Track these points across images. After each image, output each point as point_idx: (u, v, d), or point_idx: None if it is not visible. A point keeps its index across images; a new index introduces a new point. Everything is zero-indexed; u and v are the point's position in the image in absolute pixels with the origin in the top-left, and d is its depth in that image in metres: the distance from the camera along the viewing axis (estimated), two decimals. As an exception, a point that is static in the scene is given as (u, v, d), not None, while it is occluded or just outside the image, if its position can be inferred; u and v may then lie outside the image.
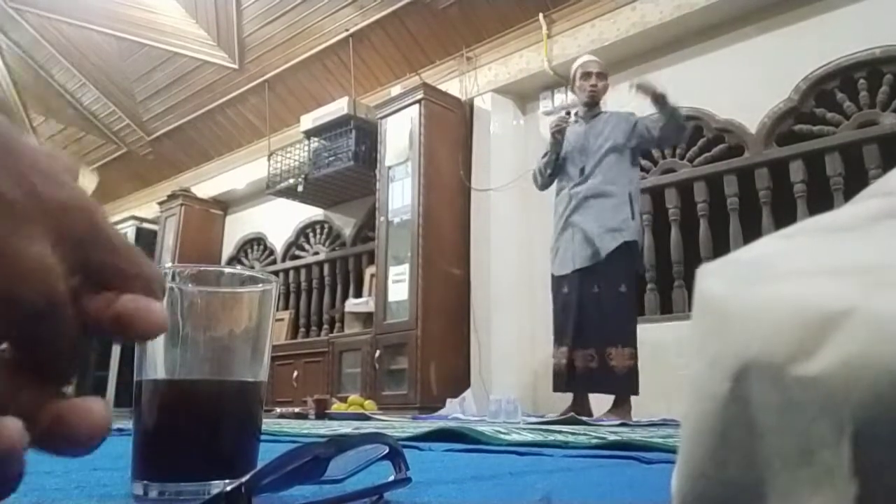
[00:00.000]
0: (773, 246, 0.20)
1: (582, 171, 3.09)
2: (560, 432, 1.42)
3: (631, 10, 3.98)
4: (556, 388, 3.08)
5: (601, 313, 2.91)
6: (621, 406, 2.88)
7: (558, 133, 3.15)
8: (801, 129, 3.48)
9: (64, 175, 0.23)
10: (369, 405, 3.41)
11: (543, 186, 3.32)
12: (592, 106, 3.21)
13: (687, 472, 0.19)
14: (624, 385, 2.88)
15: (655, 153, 4.00)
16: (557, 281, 3.10)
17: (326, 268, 5.67)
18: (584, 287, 2.96)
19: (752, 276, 0.18)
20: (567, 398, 3.11)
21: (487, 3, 4.41)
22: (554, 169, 3.22)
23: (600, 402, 3.04)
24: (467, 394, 3.35)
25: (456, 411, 3.16)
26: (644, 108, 3.08)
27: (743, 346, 0.17)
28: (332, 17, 4.92)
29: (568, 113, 3.28)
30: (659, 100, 2.91)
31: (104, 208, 0.24)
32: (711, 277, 0.20)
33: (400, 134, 4.50)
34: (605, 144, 3.07)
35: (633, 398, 2.92)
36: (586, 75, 3.21)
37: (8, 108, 6.59)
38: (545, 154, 3.26)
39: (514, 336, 4.20)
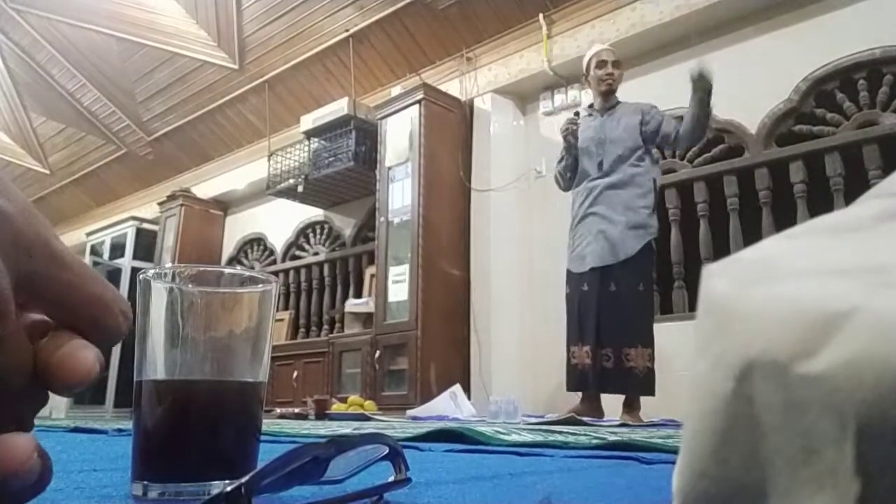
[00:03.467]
0: (777, 246, 0.20)
1: (600, 165, 2.99)
2: (560, 433, 1.42)
3: (631, 10, 3.98)
4: (574, 388, 2.94)
5: (619, 313, 2.82)
6: (635, 407, 2.83)
7: (570, 136, 3.05)
8: (801, 129, 3.49)
9: (9, 184, 0.22)
10: (369, 405, 3.42)
11: (567, 188, 3.19)
12: (608, 96, 3.10)
13: (688, 471, 0.19)
14: (642, 385, 2.78)
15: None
16: (577, 278, 2.98)
17: (326, 268, 5.67)
18: (602, 285, 2.86)
19: (757, 276, 0.18)
20: (570, 398, 3.09)
21: (487, 4, 4.41)
22: (573, 171, 3.12)
23: (609, 403, 3.02)
24: (456, 389, 3.32)
25: (450, 408, 3.15)
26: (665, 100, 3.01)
27: (747, 344, 0.17)
28: (332, 18, 4.92)
29: (576, 114, 3.17)
30: (706, 92, 2.75)
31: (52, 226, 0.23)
32: (716, 277, 0.20)
33: (400, 134, 4.50)
34: (622, 137, 2.97)
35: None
36: (602, 63, 3.09)
37: None
38: (561, 158, 3.16)
39: (514, 336, 4.20)
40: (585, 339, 2.88)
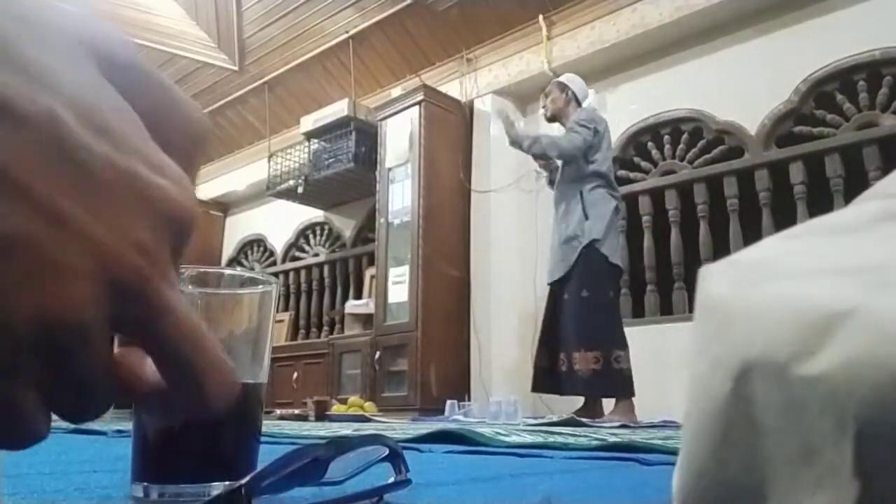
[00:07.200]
0: (775, 246, 0.20)
1: (558, 188, 3.26)
2: (560, 434, 1.42)
3: (631, 11, 3.98)
4: (532, 388, 3.19)
5: (566, 319, 3.03)
6: (622, 408, 2.88)
7: (507, 125, 3.33)
8: (801, 130, 3.49)
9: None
10: (369, 407, 3.41)
11: (549, 180, 3.43)
12: (552, 122, 3.39)
13: (688, 472, 0.19)
14: (586, 388, 2.92)
15: (655, 154, 4.00)
16: (548, 290, 3.27)
17: (326, 269, 5.67)
18: (557, 296, 3.10)
19: (755, 277, 0.18)
20: (570, 400, 3.12)
21: (487, 5, 4.41)
22: (549, 172, 3.39)
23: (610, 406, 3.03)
24: (472, 406, 3.35)
25: (456, 413, 3.16)
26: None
27: (745, 345, 0.17)
28: (332, 19, 4.92)
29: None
30: (509, 135, 3.24)
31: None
32: (714, 278, 0.20)
33: (400, 136, 4.50)
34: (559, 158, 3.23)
35: (636, 399, 2.91)
36: (543, 97, 3.41)
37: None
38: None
39: (514, 338, 4.20)
40: (542, 343, 3.14)
